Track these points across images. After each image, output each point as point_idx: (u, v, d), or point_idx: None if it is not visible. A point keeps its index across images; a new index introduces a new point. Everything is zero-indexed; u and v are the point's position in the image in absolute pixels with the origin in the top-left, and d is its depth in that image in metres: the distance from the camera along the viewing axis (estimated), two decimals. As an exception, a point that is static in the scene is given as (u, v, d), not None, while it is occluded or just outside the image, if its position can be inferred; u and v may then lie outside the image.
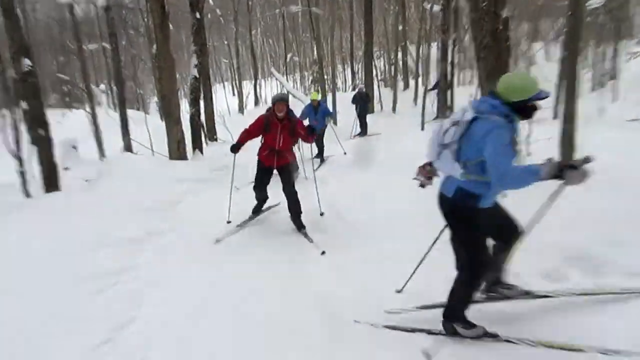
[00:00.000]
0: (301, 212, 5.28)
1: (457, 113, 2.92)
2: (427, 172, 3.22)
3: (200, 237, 5.24)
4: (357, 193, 6.60)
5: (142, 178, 7.46)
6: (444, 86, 12.69)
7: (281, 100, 5.06)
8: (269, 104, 9.34)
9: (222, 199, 6.32)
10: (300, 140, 5.55)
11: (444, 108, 12.84)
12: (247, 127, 5.27)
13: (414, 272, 3.60)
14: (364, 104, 14.73)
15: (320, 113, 9.81)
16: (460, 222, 2.93)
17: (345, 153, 10.25)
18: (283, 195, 5.25)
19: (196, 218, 6.04)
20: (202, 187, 7.77)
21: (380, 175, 7.31)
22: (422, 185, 3.27)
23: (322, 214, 5.60)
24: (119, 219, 5.59)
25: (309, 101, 10.47)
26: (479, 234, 2.91)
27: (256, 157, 5.37)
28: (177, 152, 9.79)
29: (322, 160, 9.62)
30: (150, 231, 5.38)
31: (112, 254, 4.63)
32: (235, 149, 5.23)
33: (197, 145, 11.13)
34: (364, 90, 15.72)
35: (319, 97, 10.29)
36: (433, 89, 16.15)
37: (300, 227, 5.24)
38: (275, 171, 5.33)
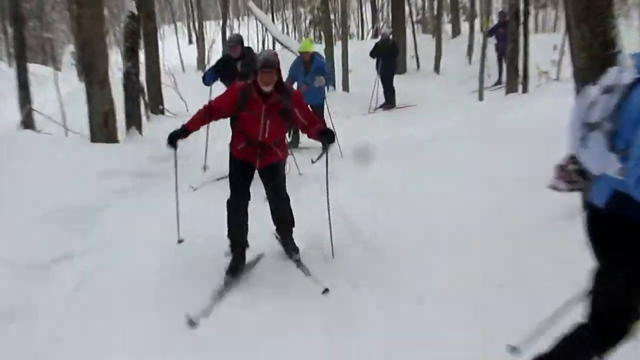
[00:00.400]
0: (293, 226, 5.31)
1: (609, 74, 2.72)
2: (568, 174, 3.08)
3: (138, 267, 5.18)
4: (380, 197, 6.58)
5: (48, 170, 7.43)
6: (514, 31, 12.59)
7: (267, 67, 4.78)
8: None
9: (171, 203, 6.27)
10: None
11: (512, 67, 12.74)
12: (209, 101, 5.10)
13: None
14: (389, 58, 14.71)
15: (313, 72, 9.77)
16: (616, 249, 2.74)
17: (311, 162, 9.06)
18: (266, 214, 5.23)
19: (131, 234, 5.99)
20: (141, 184, 7.76)
21: (416, 171, 7.28)
22: (570, 189, 3.10)
23: (330, 231, 5.46)
24: (8, 234, 5.56)
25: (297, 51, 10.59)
26: None
27: (226, 145, 5.28)
28: (103, 130, 9.76)
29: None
30: (58, 254, 5.34)
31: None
32: (175, 138, 4.94)
33: (133, 121, 11.12)
34: (391, 37, 15.70)
35: (313, 48, 10.17)
36: (492, 33, 16.21)
37: (291, 250, 5.25)
38: (255, 172, 5.22)
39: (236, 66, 8.22)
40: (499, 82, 16.08)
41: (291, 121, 5.10)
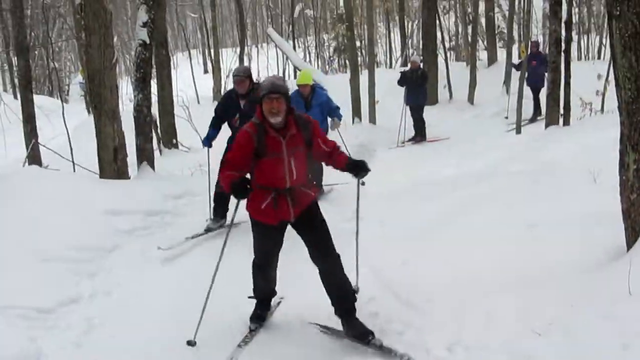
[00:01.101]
0: (355, 299, 4.80)
1: None
2: None
3: (147, 313, 5.24)
4: (410, 241, 6.56)
5: (54, 208, 7.51)
6: (554, 59, 12.61)
7: (275, 93, 4.41)
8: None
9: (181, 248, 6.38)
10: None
11: (552, 98, 12.72)
12: (224, 159, 4.89)
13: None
14: (418, 87, 14.75)
15: (315, 107, 9.09)
16: None
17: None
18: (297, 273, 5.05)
19: (141, 277, 6.08)
20: (152, 223, 7.83)
21: (450, 212, 7.27)
22: None
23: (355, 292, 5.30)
24: (11, 276, 5.63)
25: (327, 84, 10.44)
26: None
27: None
28: (112, 165, 9.85)
29: (321, 192, 9.32)
30: (65, 298, 5.45)
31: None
32: (236, 194, 4.46)
33: (145, 156, 11.21)
34: (420, 64, 15.78)
35: (313, 79, 9.62)
36: (519, 68, 16.25)
37: (365, 333, 4.59)
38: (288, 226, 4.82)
39: (239, 104, 7.62)
40: (533, 119, 16.03)
41: (313, 153, 4.77)
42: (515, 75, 16.26)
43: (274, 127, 4.47)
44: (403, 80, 14.82)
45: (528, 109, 15.91)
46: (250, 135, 4.48)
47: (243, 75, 7.55)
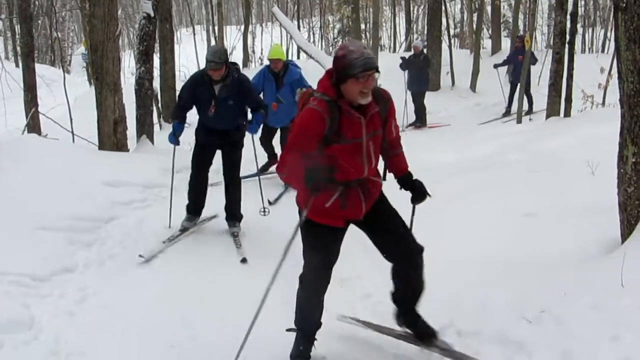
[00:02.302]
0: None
1: None
2: None
3: (140, 283, 5.27)
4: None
5: (52, 178, 7.51)
6: (558, 51, 12.54)
7: (369, 69, 3.46)
8: (266, 63, 8.97)
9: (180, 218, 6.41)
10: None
11: (557, 93, 12.67)
12: (284, 147, 3.91)
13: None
14: (419, 71, 14.64)
15: (287, 86, 8.52)
16: None
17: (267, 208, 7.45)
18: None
19: (136, 248, 6.16)
20: (149, 196, 7.89)
21: (447, 200, 7.27)
22: None
23: None
24: (7, 245, 5.65)
25: (328, 63, 10.24)
26: None
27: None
28: (112, 137, 9.86)
29: (287, 187, 8.41)
30: (60, 267, 5.50)
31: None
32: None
33: (145, 129, 11.21)
34: (423, 49, 15.64)
35: (285, 56, 9.02)
36: (506, 63, 16.15)
37: (431, 330, 4.07)
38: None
39: (213, 90, 6.47)
40: (507, 113, 15.94)
41: (389, 135, 3.96)
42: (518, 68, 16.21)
43: (354, 105, 3.58)
44: (405, 65, 14.75)
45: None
46: (321, 115, 3.54)
47: (220, 62, 6.18)
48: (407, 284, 4.00)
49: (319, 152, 3.58)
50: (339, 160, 3.62)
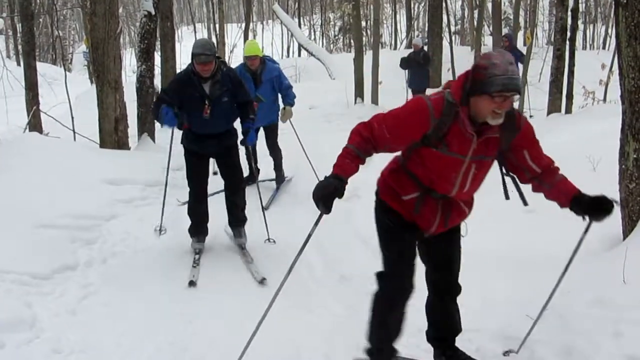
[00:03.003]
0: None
1: None
2: None
3: (142, 281, 5.27)
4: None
5: (53, 176, 7.51)
6: (559, 47, 12.52)
7: (509, 90, 3.01)
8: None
9: (181, 216, 6.38)
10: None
11: (558, 90, 12.66)
12: (367, 124, 3.29)
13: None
14: (420, 69, 14.56)
15: (266, 84, 7.90)
16: None
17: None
18: None
19: (137, 246, 6.16)
20: (150, 194, 7.86)
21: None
22: None
23: None
24: (8, 242, 5.62)
25: (332, 63, 10.12)
26: None
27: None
28: (113, 135, 9.85)
29: (278, 187, 8.43)
30: (61, 265, 5.46)
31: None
32: (333, 198, 3.11)
33: (146, 127, 11.22)
34: (423, 46, 15.52)
35: (262, 52, 8.61)
36: None
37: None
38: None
39: (203, 89, 5.68)
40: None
41: (508, 167, 3.46)
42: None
43: (475, 120, 3.13)
44: (406, 63, 14.69)
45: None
46: (427, 114, 3.14)
47: (211, 54, 5.50)
48: (445, 318, 3.74)
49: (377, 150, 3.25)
50: (430, 166, 3.25)
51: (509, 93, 2.98)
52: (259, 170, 8.31)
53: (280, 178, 8.46)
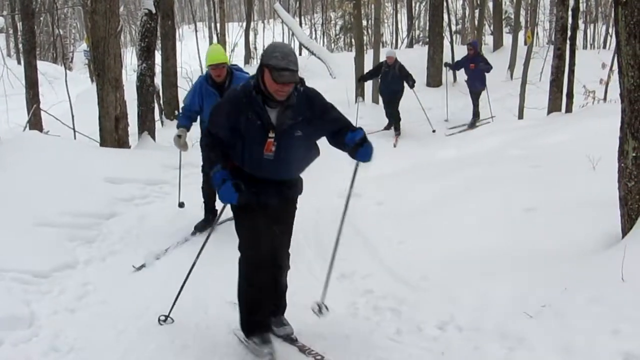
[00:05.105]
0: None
1: None
2: None
3: (142, 279, 5.28)
4: (405, 219, 6.58)
5: (54, 174, 7.53)
6: (560, 47, 12.50)
7: None
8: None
9: (180, 214, 6.40)
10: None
11: (559, 89, 12.64)
12: None
13: None
14: (394, 82, 13.94)
15: None
16: None
17: None
18: None
19: (137, 244, 6.18)
20: (150, 193, 7.91)
21: (449, 193, 7.26)
22: None
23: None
24: (8, 240, 5.66)
25: (332, 62, 10.05)
26: None
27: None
28: (113, 134, 9.89)
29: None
30: (60, 263, 5.50)
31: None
32: None
33: (146, 126, 11.24)
34: (396, 59, 14.60)
35: (230, 60, 7.81)
36: (459, 67, 15.85)
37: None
38: None
39: (269, 115, 4.01)
40: (472, 125, 14.99)
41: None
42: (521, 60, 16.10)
43: None
44: (373, 73, 14.48)
45: (467, 115, 15.58)
46: None
47: (296, 70, 3.77)
48: None
49: None
50: None
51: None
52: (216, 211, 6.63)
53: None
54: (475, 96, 15.03)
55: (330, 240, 5.59)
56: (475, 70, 14.71)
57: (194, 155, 6.52)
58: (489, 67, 14.98)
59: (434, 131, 13.88)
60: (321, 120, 4.09)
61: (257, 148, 3.96)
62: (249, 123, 3.91)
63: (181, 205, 6.92)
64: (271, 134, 3.93)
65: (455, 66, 16.25)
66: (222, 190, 3.88)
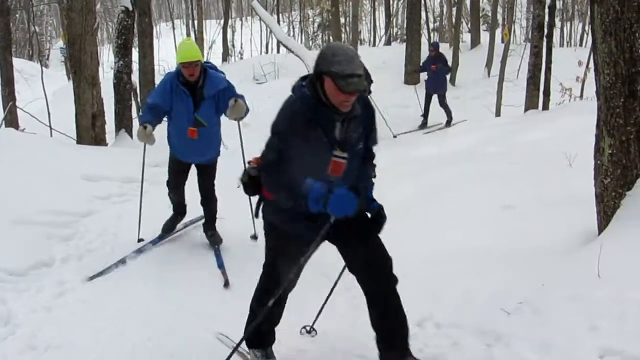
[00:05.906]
0: None
1: None
2: None
3: (119, 277, 5.25)
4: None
5: (30, 172, 7.46)
6: (537, 44, 12.57)
7: None
8: (245, 57, 8.37)
9: (160, 211, 6.34)
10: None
11: (536, 86, 12.71)
12: None
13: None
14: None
15: (209, 101, 5.64)
16: None
17: None
18: None
19: (114, 242, 6.13)
20: (128, 191, 7.86)
21: (427, 191, 7.28)
22: None
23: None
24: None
25: (311, 59, 10.05)
26: None
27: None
28: (90, 131, 9.83)
29: (217, 251, 5.98)
30: (37, 261, 5.46)
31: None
32: None
33: (123, 123, 11.18)
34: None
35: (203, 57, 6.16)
36: (424, 69, 15.66)
37: None
38: None
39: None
40: (423, 125, 14.94)
41: None
42: (498, 58, 16.18)
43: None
44: None
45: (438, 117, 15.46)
46: None
47: (363, 75, 3.14)
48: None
49: None
50: None
51: None
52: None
53: (215, 238, 6.13)
54: (441, 98, 14.84)
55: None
56: (437, 71, 14.63)
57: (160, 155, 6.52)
58: (447, 69, 15.01)
59: (394, 137, 13.60)
60: (367, 138, 3.49)
61: (319, 168, 3.26)
62: (314, 141, 3.22)
63: (140, 241, 6.04)
64: (339, 153, 3.28)
65: (422, 68, 16.08)
66: (337, 199, 3.14)
